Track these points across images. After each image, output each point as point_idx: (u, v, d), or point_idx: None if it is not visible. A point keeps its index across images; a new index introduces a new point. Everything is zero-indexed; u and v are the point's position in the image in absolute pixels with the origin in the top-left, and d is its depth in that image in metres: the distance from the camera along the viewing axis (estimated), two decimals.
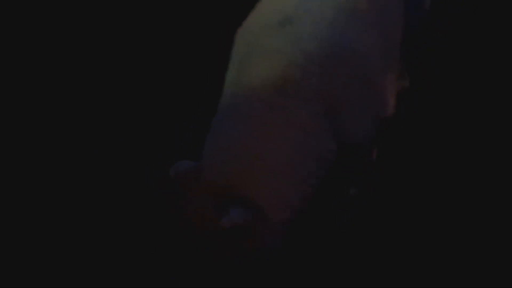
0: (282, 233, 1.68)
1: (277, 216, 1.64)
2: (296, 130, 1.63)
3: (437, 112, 2.16)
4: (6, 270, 1.95)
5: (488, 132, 2.11)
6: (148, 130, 2.27)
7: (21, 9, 2.57)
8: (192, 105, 2.32)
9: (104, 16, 2.56)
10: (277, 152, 1.62)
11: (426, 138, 2.11)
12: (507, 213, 1.94)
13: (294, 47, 1.65)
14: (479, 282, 1.86)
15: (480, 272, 1.88)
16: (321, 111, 1.65)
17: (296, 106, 1.62)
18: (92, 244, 2.00)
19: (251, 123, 1.62)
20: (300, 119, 1.63)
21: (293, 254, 1.89)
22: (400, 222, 1.96)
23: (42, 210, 2.08)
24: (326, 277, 1.90)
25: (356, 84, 1.70)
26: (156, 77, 2.41)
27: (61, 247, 2.00)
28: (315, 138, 1.65)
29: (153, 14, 2.55)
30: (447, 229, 1.93)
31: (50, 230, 2.04)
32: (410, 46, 2.07)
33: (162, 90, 2.37)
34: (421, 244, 1.91)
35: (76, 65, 2.44)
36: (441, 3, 2.28)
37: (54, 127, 2.29)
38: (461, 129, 2.13)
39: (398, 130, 2.10)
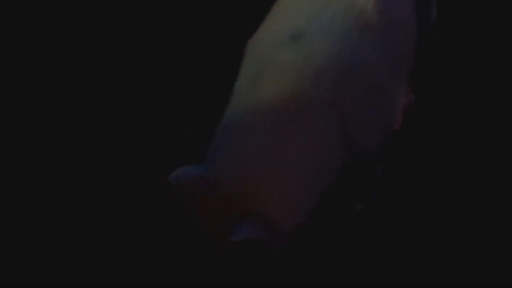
0: (287, 241, 1.70)
1: (288, 226, 1.66)
2: (309, 142, 1.65)
3: (443, 128, 2.16)
4: (6, 270, 1.95)
5: (495, 148, 2.12)
6: (148, 130, 2.27)
7: (21, 9, 2.57)
8: (192, 105, 2.32)
9: (104, 16, 2.56)
10: (290, 164, 1.64)
11: (432, 153, 2.11)
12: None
13: (305, 62, 1.67)
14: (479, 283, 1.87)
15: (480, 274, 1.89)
16: (332, 124, 1.67)
17: (308, 119, 1.64)
18: (92, 244, 2.00)
19: (264, 135, 1.63)
20: (312, 132, 1.65)
21: (294, 255, 1.90)
22: (403, 235, 1.97)
23: (41, 210, 2.08)
24: (326, 278, 1.90)
25: (367, 98, 1.72)
26: (156, 77, 2.41)
27: (61, 247, 2.00)
28: (326, 150, 1.67)
29: (156, 15, 2.55)
30: (451, 243, 1.94)
31: (50, 230, 2.04)
32: (415, 61, 2.09)
33: (162, 90, 2.37)
34: (423, 257, 1.92)
35: (75, 65, 2.44)
36: (446, 18, 2.29)
37: (53, 127, 2.29)
38: (467, 145, 2.13)
39: (404, 146, 2.11)
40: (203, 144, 1.77)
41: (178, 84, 2.38)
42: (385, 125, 1.80)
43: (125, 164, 2.18)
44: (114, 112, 2.32)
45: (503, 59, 2.30)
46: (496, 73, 2.28)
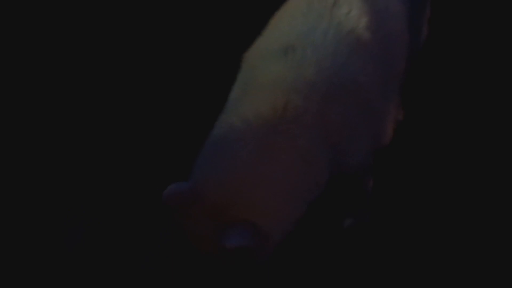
0: (272, 251, 1.71)
1: (275, 234, 1.66)
2: (295, 153, 1.65)
3: (432, 142, 2.18)
4: (6, 270, 1.95)
5: (489, 161, 2.12)
6: (150, 133, 2.28)
7: (21, 9, 2.57)
8: (193, 112, 2.33)
9: (110, 20, 2.56)
10: (276, 174, 1.64)
11: (422, 167, 2.12)
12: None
13: (296, 75, 1.68)
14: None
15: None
16: (320, 136, 1.68)
17: (296, 131, 1.65)
18: (92, 245, 2.00)
19: (252, 146, 1.63)
20: (300, 144, 1.65)
21: (286, 264, 1.91)
22: (394, 251, 1.97)
23: (44, 214, 2.09)
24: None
25: (356, 114, 1.73)
26: (157, 87, 2.42)
27: (62, 248, 2.00)
28: (313, 162, 1.67)
29: (159, 26, 2.56)
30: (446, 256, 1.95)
31: (51, 231, 2.04)
32: (405, 78, 2.10)
33: (162, 101, 2.38)
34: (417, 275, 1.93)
35: (79, 68, 2.45)
36: (437, 36, 2.31)
37: (57, 130, 2.29)
38: (456, 158, 2.14)
39: (394, 161, 2.12)
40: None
41: (182, 90, 2.39)
42: (374, 140, 1.81)
43: (125, 166, 2.19)
44: (116, 116, 2.33)
45: (493, 76, 2.31)
46: (485, 90, 2.28)
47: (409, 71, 2.06)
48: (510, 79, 2.30)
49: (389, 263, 1.93)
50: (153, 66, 2.44)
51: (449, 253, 1.94)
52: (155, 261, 1.96)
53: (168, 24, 2.54)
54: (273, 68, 1.70)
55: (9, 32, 2.51)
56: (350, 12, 1.77)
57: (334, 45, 1.72)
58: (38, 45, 2.49)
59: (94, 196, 2.11)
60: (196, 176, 1.66)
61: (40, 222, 2.05)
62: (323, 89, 1.68)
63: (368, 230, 1.98)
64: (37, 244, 2.00)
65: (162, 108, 2.34)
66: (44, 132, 2.27)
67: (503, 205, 2.02)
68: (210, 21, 2.54)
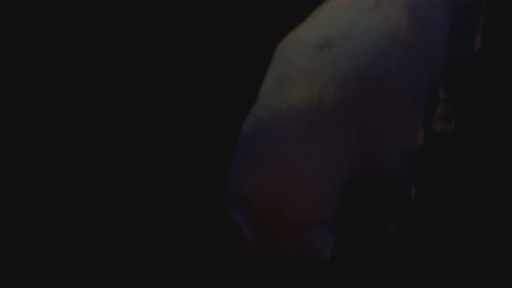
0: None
1: (327, 219, 1.70)
2: (329, 144, 1.67)
3: (480, 152, 2.17)
4: (6, 270, 1.95)
5: None
6: (151, 133, 2.28)
7: (21, 9, 2.57)
8: (194, 109, 2.32)
9: (120, 24, 2.56)
10: (315, 169, 1.66)
11: (467, 179, 2.11)
12: None
13: (331, 69, 1.70)
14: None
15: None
16: (353, 130, 1.70)
17: (331, 122, 1.67)
18: (92, 245, 2.00)
19: (289, 138, 1.66)
20: (335, 135, 1.68)
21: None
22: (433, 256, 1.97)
23: (44, 214, 2.08)
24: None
25: (387, 114, 1.75)
26: (173, 76, 2.41)
27: (62, 248, 2.00)
28: (347, 156, 1.70)
29: (184, 18, 2.55)
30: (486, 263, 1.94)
31: (51, 231, 2.04)
32: (456, 86, 2.09)
33: (169, 92, 2.38)
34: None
35: (79, 68, 2.45)
36: (490, 47, 2.29)
37: (57, 130, 2.29)
38: (502, 168, 2.13)
39: (438, 171, 2.12)
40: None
41: (200, 91, 2.39)
42: (404, 142, 1.82)
43: (131, 168, 2.19)
44: (126, 123, 2.33)
45: None
46: None
47: (462, 80, 2.07)
48: None
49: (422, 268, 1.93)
50: (172, 55, 2.44)
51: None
52: (155, 261, 1.96)
53: (201, 12, 2.53)
54: (308, 64, 1.71)
55: (9, 32, 2.51)
56: (391, 12, 1.78)
57: (371, 43, 1.74)
58: (38, 45, 2.49)
59: (94, 196, 2.11)
60: (235, 184, 1.67)
61: (40, 222, 2.05)
62: (356, 85, 1.70)
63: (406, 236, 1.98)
64: (37, 244, 2.00)
65: (164, 105, 2.34)
66: (44, 132, 2.27)
67: None
68: (243, 11, 2.53)
